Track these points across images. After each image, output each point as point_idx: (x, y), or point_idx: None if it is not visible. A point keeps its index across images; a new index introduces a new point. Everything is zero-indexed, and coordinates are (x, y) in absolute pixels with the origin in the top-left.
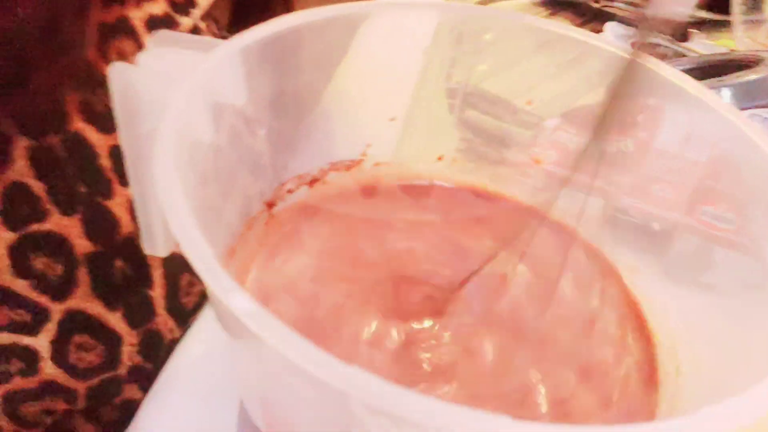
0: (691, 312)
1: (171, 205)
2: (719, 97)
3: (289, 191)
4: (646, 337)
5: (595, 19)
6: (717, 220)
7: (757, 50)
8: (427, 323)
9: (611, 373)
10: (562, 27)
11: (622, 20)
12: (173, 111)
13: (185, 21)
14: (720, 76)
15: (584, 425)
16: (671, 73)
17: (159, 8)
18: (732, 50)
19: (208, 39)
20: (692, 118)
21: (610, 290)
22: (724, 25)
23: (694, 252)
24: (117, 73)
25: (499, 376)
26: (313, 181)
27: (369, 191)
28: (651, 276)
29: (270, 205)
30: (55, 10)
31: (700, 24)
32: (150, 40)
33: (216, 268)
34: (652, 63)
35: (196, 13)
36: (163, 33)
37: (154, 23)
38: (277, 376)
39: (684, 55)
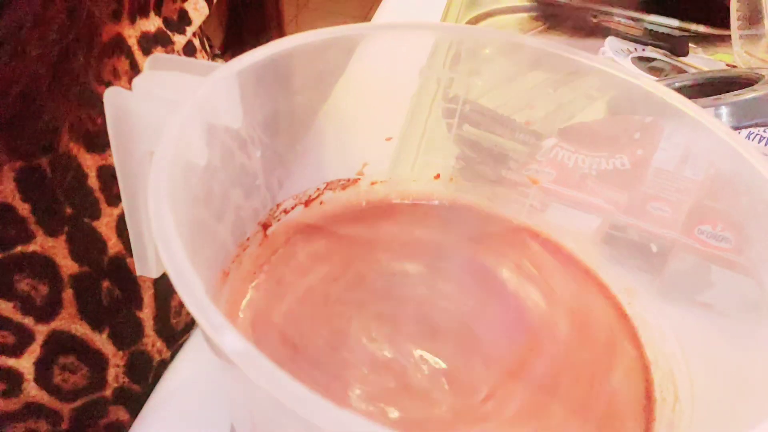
0: (688, 332)
1: (163, 238)
2: (716, 117)
3: (285, 211)
4: (643, 362)
5: (593, 33)
6: (714, 239)
7: (757, 67)
8: (425, 351)
9: (604, 400)
10: (556, 47)
11: (620, 35)
12: (169, 135)
13: (179, 39)
14: (718, 93)
15: None
16: (668, 94)
17: (153, 25)
18: (729, 65)
19: (203, 62)
20: (690, 138)
21: (606, 313)
22: (722, 39)
23: (691, 271)
24: (112, 98)
25: (491, 400)
26: (308, 201)
27: (365, 211)
28: (647, 296)
29: (265, 225)
30: (67, 46)
31: (698, 38)
32: (146, 63)
33: (206, 303)
34: (649, 84)
35: (190, 30)
36: (159, 56)
37: (148, 41)
38: (265, 413)
39: (682, 70)
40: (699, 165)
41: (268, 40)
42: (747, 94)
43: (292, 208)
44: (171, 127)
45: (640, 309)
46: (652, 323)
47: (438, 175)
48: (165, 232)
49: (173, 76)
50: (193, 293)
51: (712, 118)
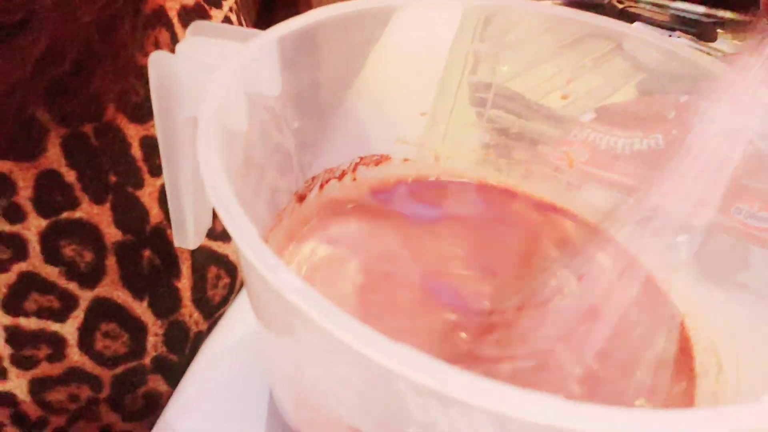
0: (728, 311)
1: (214, 184)
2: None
3: (320, 186)
4: (684, 335)
5: (619, 20)
6: (752, 219)
7: None
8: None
9: (644, 369)
10: (594, 17)
11: (647, 21)
12: (213, 98)
13: (216, 13)
14: None
15: (641, 408)
16: (715, 64)
17: None
18: None
19: (244, 29)
20: (732, 111)
21: (648, 285)
22: (750, 24)
23: (729, 251)
24: (156, 62)
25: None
26: (342, 175)
27: (398, 187)
28: (686, 275)
29: (300, 198)
30: (114, 13)
31: (726, 24)
32: (188, 29)
33: (260, 245)
34: (693, 53)
35: (227, 4)
36: (200, 23)
37: (187, 14)
38: (316, 362)
39: (711, 56)
40: (736, 143)
41: (297, 13)
42: None
43: (326, 182)
44: (214, 90)
45: (680, 287)
46: (692, 300)
47: (472, 153)
48: (216, 178)
49: (215, 42)
50: (247, 235)
51: (760, 86)
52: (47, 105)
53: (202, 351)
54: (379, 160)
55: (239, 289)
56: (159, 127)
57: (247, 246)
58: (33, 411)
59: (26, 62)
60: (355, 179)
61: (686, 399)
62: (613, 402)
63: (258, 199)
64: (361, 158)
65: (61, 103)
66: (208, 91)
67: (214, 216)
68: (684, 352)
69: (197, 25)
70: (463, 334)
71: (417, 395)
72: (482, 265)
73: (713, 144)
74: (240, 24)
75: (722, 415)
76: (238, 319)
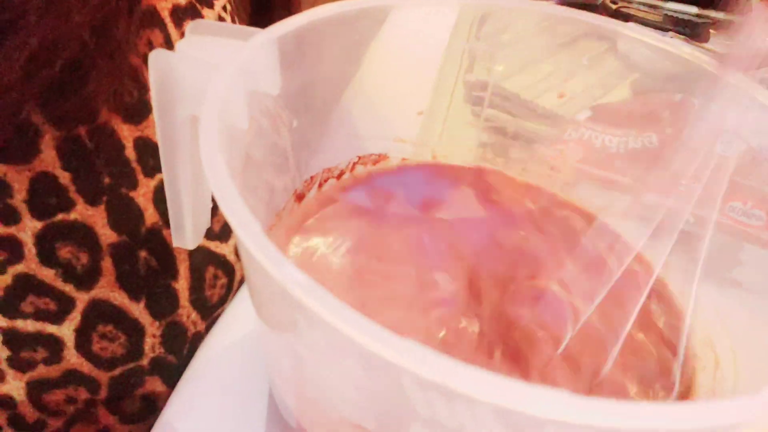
0: (723, 307)
1: (217, 180)
2: (759, 86)
3: (318, 185)
4: (680, 329)
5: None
6: (745, 216)
7: None
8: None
9: (640, 363)
10: (591, 16)
11: (640, 21)
12: (215, 96)
13: (208, 13)
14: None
15: (646, 402)
16: (708, 62)
17: None
18: None
19: (244, 27)
20: (726, 110)
21: (645, 282)
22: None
23: (723, 248)
24: (156, 60)
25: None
26: (340, 175)
27: (397, 185)
28: (681, 272)
29: (299, 197)
30: (108, 13)
31: (718, 25)
32: (188, 28)
33: (264, 240)
34: (687, 52)
35: (218, 4)
36: (201, 21)
37: (180, 14)
38: (318, 358)
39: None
40: (730, 141)
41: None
42: None
43: (325, 181)
44: (215, 87)
45: (676, 282)
46: (689, 295)
47: (469, 151)
48: (219, 174)
49: (215, 41)
50: (251, 230)
51: (757, 86)
52: (41, 107)
53: (201, 351)
54: (377, 159)
55: (237, 289)
56: (158, 126)
57: (252, 242)
58: (30, 413)
59: (17, 62)
60: (353, 178)
61: (686, 394)
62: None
63: (257, 197)
64: (360, 157)
65: (55, 104)
66: (209, 89)
67: (212, 215)
68: (684, 348)
69: (196, 23)
70: (463, 321)
71: (421, 390)
72: (479, 259)
73: (706, 142)
74: (234, 24)
75: (722, 407)
76: (237, 318)
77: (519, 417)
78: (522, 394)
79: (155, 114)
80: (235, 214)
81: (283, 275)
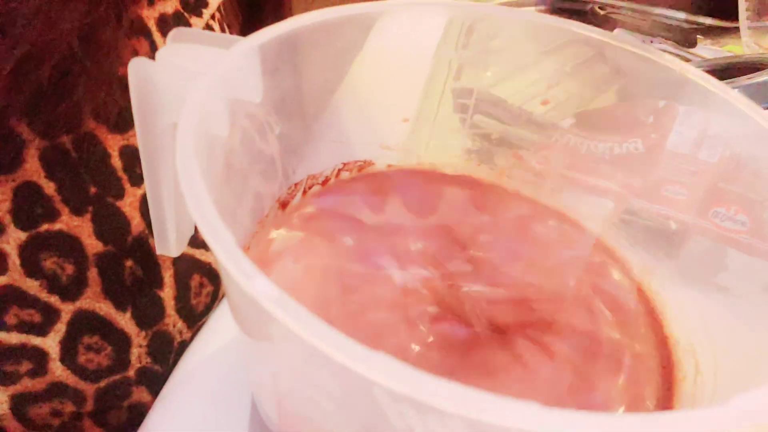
0: (706, 313)
1: (192, 192)
2: (739, 94)
3: (303, 191)
4: (662, 336)
5: (600, 26)
6: (730, 222)
7: (765, 54)
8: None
9: (623, 373)
10: (576, 25)
11: (628, 27)
12: (193, 104)
13: (197, 21)
14: (727, 79)
15: (614, 413)
16: (691, 71)
17: (171, 7)
18: (738, 55)
19: (225, 35)
20: (709, 117)
21: (624, 289)
22: (730, 31)
23: (707, 254)
24: (136, 68)
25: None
26: (325, 181)
27: (381, 192)
28: (664, 278)
29: (283, 204)
30: (96, 20)
31: (706, 30)
32: (169, 36)
33: (238, 253)
34: (670, 60)
35: (207, 13)
36: (181, 30)
37: (166, 23)
38: (294, 369)
39: (690, 61)
40: (714, 147)
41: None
42: (759, 77)
43: (309, 188)
44: (194, 96)
45: (658, 288)
46: (671, 302)
47: (454, 158)
48: (194, 186)
49: (196, 49)
50: (224, 243)
51: (736, 93)
52: (28, 115)
53: (185, 358)
54: (363, 165)
55: (222, 297)
56: (140, 134)
57: (224, 254)
58: (14, 427)
59: (4, 70)
60: (338, 184)
61: (666, 401)
62: (593, 408)
63: (240, 205)
64: (345, 164)
65: (42, 112)
66: (187, 97)
67: None
68: (664, 355)
69: (178, 31)
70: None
71: (394, 402)
72: (465, 263)
73: (691, 148)
74: (223, 32)
75: (693, 419)
76: (221, 326)
77: (489, 429)
78: (491, 406)
79: (136, 122)
80: (208, 225)
81: (254, 288)
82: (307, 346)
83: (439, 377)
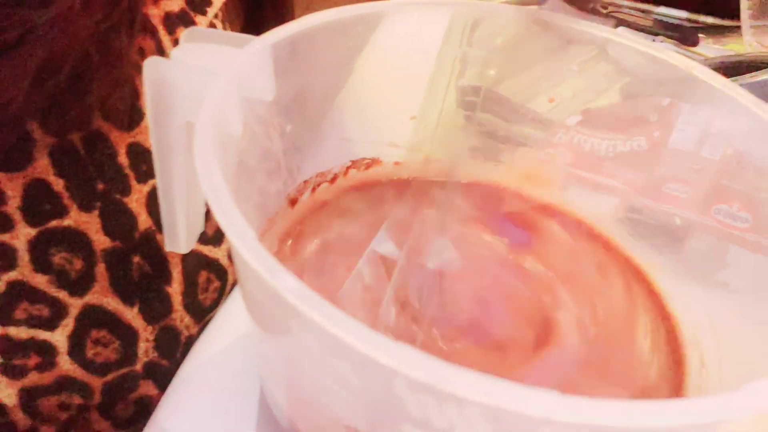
0: (710, 308)
1: (212, 187)
2: (746, 91)
3: (312, 189)
4: (669, 331)
5: (603, 24)
6: (732, 219)
7: (766, 52)
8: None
9: (632, 368)
10: (579, 23)
11: (630, 25)
12: (211, 103)
13: (201, 20)
14: (730, 77)
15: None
16: (697, 69)
17: (176, 5)
18: (740, 54)
19: (239, 35)
20: (712, 114)
21: (630, 285)
22: (732, 30)
23: (709, 250)
24: (151, 67)
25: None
26: (333, 179)
27: (390, 189)
28: (669, 274)
29: (292, 202)
30: (111, 26)
31: (708, 29)
32: (182, 35)
33: (259, 248)
34: (676, 58)
35: (212, 11)
36: (195, 29)
37: (172, 21)
38: (312, 359)
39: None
40: (717, 145)
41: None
42: (762, 76)
43: (318, 185)
44: (211, 94)
45: (663, 283)
46: (676, 296)
47: (460, 155)
48: (213, 181)
49: (210, 48)
50: (245, 238)
51: (742, 90)
52: (43, 118)
53: (192, 353)
54: (370, 163)
55: (229, 293)
56: (153, 132)
57: (246, 249)
58: (23, 421)
59: (24, 77)
60: (346, 182)
61: (674, 394)
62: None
63: (250, 202)
64: (352, 162)
65: (55, 114)
66: (204, 96)
67: (206, 220)
68: (671, 348)
69: (192, 31)
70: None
71: (413, 392)
72: (473, 268)
73: (694, 146)
74: (225, 30)
75: (705, 405)
76: (228, 321)
77: (507, 416)
78: (511, 393)
79: (150, 120)
80: (229, 221)
81: (276, 281)
82: (330, 337)
83: (459, 367)
